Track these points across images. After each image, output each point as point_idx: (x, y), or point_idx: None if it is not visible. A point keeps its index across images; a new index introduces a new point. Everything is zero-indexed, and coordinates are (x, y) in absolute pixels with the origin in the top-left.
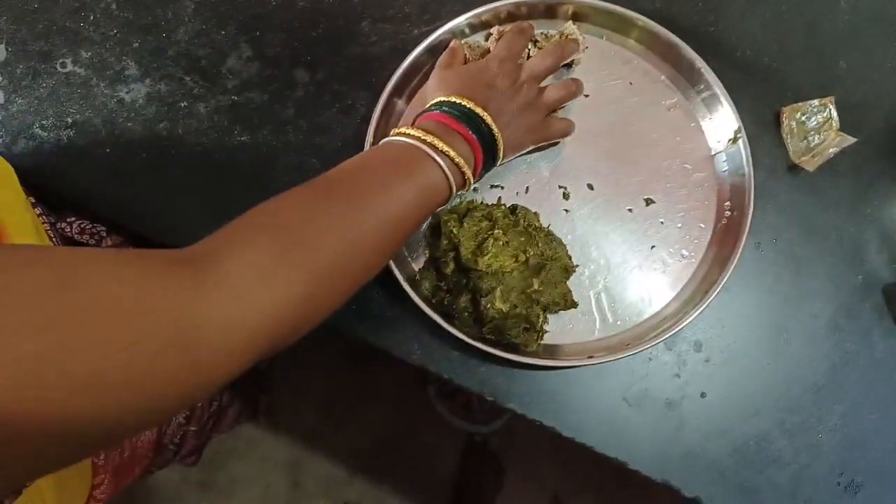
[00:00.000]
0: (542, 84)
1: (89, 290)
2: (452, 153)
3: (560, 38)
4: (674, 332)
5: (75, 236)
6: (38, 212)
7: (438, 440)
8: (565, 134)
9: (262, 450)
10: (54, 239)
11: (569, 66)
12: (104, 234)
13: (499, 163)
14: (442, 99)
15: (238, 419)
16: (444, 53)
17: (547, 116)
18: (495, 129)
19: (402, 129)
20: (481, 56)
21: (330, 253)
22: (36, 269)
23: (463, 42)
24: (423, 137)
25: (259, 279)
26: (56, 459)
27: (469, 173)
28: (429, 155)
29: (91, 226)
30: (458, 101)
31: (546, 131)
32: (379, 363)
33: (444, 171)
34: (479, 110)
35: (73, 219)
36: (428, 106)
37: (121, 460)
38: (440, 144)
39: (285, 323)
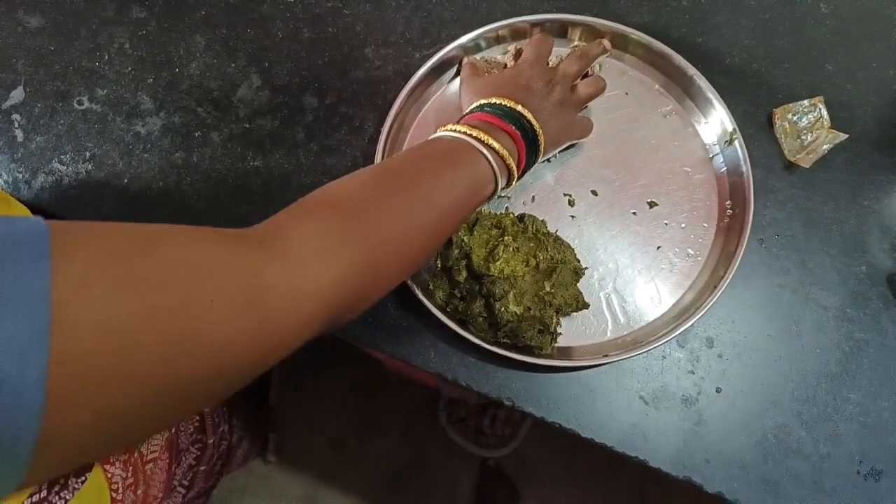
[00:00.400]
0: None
1: (169, 255)
2: (497, 146)
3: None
4: (685, 328)
5: None
6: None
7: (452, 467)
8: (590, 131)
9: (275, 487)
10: None
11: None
12: None
13: (540, 159)
14: (482, 102)
15: (246, 458)
16: (463, 69)
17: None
18: (536, 125)
19: (449, 126)
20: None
21: (389, 232)
22: (117, 236)
23: (479, 57)
24: (469, 132)
25: (322, 249)
26: (148, 422)
27: (514, 165)
28: (476, 148)
29: None
30: (497, 101)
31: (580, 128)
32: (387, 394)
33: (490, 163)
34: (519, 107)
35: None
36: (469, 109)
37: (134, 498)
38: (486, 138)
39: (346, 293)
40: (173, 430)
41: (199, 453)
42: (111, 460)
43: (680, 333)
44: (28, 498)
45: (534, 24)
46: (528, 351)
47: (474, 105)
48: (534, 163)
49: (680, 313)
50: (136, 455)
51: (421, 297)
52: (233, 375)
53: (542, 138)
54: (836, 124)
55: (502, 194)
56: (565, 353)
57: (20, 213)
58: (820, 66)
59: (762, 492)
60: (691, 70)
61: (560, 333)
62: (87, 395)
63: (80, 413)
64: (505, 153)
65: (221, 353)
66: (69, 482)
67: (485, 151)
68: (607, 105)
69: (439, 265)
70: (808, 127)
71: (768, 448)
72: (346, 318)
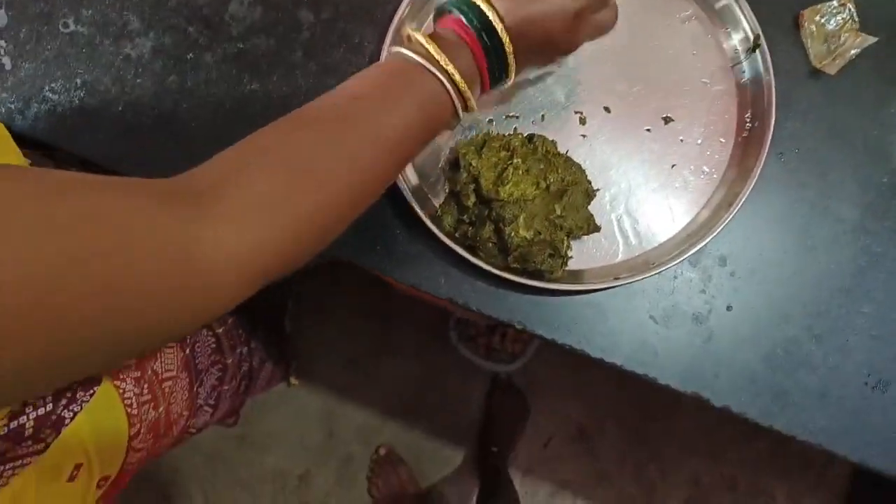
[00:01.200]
0: None
1: (88, 203)
2: (452, 69)
3: None
4: (698, 247)
5: None
6: None
7: (464, 383)
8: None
9: (296, 405)
10: None
11: None
12: None
13: (512, 78)
14: None
15: (270, 382)
16: None
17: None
18: (508, 47)
19: (409, 35)
20: None
21: (335, 182)
22: (32, 179)
23: None
24: (424, 53)
25: (261, 209)
26: (84, 362)
27: (468, 93)
28: (430, 71)
29: None
30: (477, 2)
31: (574, 44)
32: (398, 316)
33: (445, 87)
34: (495, 22)
35: None
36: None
37: (156, 415)
38: (441, 60)
39: (287, 250)
40: (188, 351)
41: (220, 374)
42: (121, 376)
43: (693, 254)
44: (32, 410)
45: None
46: (538, 275)
47: None
48: (501, 83)
49: (693, 233)
50: (149, 373)
51: (429, 224)
52: (172, 327)
53: (511, 62)
54: (865, 26)
55: (510, 114)
56: (576, 276)
57: (11, 153)
58: None
59: (769, 403)
60: None
61: (571, 257)
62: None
63: None
64: (459, 80)
65: (146, 307)
66: (77, 395)
67: (440, 75)
68: (622, 12)
69: (447, 190)
70: (837, 30)
71: (777, 361)
72: (290, 270)
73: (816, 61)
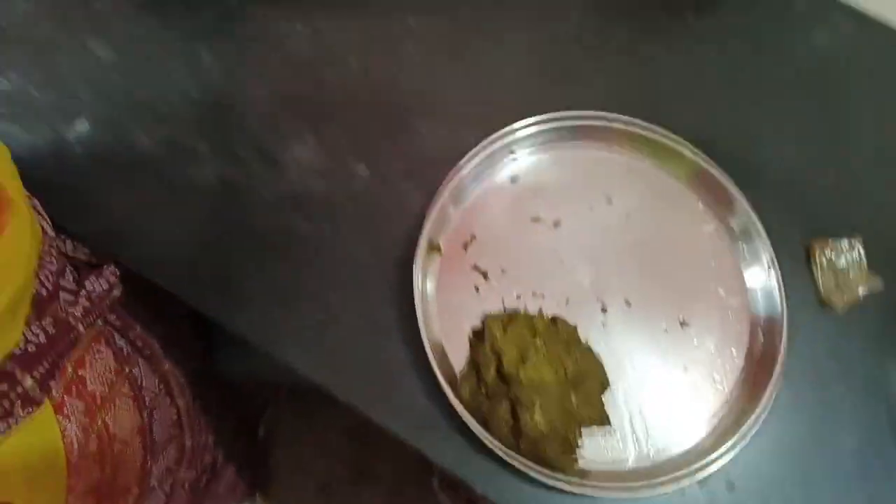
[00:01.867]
0: None
1: None
2: None
3: None
4: (709, 471)
5: (68, 252)
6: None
7: None
8: None
9: None
10: (53, 249)
11: None
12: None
13: None
14: None
15: (234, 491)
16: None
17: None
18: None
19: None
20: None
21: None
22: None
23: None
24: None
25: None
26: None
27: None
28: None
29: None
30: None
31: None
32: (380, 444)
33: None
34: None
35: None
36: None
37: (101, 476)
38: None
39: None
40: (144, 416)
41: (178, 455)
42: (65, 411)
43: (702, 475)
44: None
45: (567, 118)
46: (548, 466)
47: None
48: None
49: (705, 450)
50: (99, 423)
51: (447, 391)
52: None
53: None
54: (874, 265)
55: (536, 292)
56: (583, 475)
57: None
58: (863, 201)
59: None
60: (737, 194)
61: (582, 452)
62: None
63: None
64: None
65: None
66: (14, 410)
67: None
68: (650, 215)
69: (468, 357)
70: (846, 268)
71: None
72: None
73: (825, 295)
